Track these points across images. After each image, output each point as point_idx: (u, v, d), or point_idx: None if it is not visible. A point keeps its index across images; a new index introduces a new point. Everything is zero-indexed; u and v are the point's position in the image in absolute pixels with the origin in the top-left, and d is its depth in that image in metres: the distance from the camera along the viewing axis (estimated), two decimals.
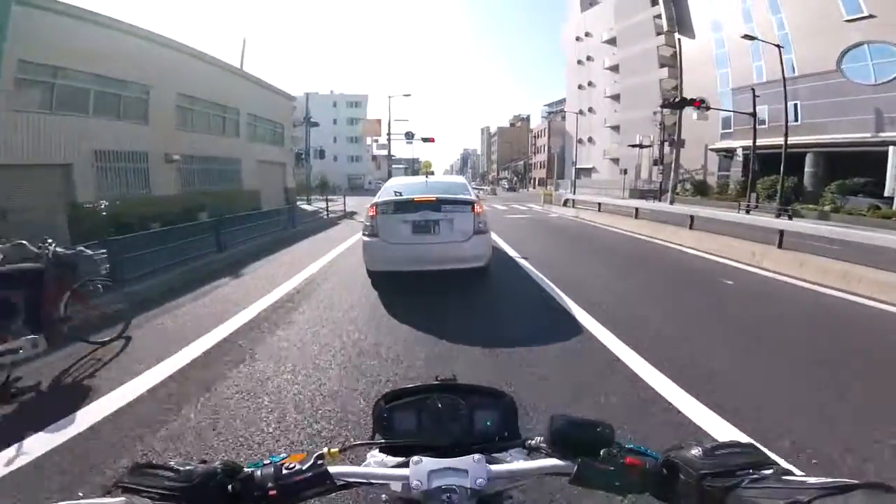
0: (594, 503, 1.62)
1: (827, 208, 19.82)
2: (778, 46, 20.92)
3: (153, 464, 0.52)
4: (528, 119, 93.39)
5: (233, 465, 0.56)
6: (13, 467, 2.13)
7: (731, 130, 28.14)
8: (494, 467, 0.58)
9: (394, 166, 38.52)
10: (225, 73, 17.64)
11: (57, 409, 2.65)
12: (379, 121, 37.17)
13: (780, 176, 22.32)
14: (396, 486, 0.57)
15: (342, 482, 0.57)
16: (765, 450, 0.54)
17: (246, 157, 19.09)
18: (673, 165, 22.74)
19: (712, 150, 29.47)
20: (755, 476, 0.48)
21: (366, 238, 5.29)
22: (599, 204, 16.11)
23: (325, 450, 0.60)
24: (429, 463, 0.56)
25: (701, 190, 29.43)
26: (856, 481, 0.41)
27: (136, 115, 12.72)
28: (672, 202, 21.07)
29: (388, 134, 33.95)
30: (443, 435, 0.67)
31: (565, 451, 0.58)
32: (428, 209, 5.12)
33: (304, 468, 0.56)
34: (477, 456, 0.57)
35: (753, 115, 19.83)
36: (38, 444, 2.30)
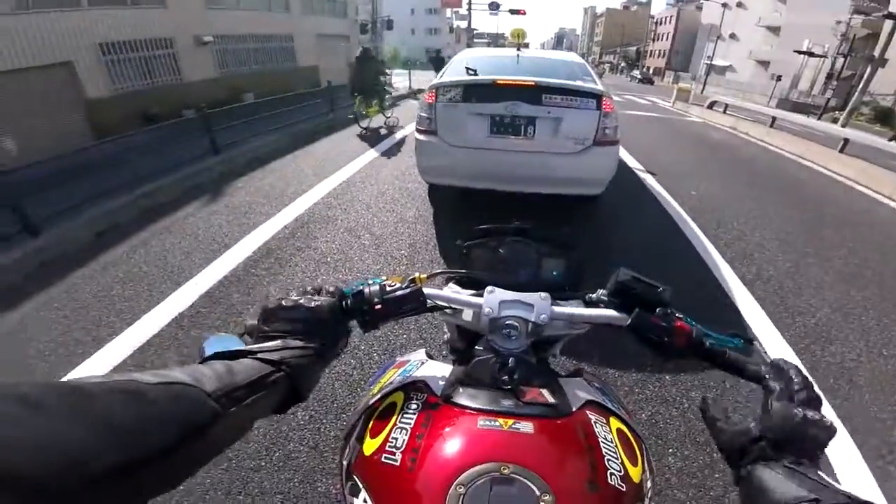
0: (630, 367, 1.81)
1: None
2: None
3: (282, 304, 0.57)
4: (648, 3, 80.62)
5: (342, 289, 0.62)
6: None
7: None
8: (557, 308, 0.62)
9: (475, 40, 32.73)
10: None
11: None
12: None
13: None
14: (467, 315, 0.67)
15: (431, 303, 0.64)
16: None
17: (300, 33, 16.74)
18: (862, 86, 16.45)
19: None
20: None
21: (419, 136, 3.59)
22: (773, 118, 11.33)
23: (416, 275, 0.66)
24: (501, 293, 0.62)
25: (884, 119, 22.85)
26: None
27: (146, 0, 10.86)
28: (845, 125, 15.60)
29: (469, 3, 28.20)
30: (513, 275, 0.72)
31: (622, 307, 0.62)
32: (520, 99, 3.23)
33: (403, 287, 0.62)
34: (544, 294, 0.62)
35: None
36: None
